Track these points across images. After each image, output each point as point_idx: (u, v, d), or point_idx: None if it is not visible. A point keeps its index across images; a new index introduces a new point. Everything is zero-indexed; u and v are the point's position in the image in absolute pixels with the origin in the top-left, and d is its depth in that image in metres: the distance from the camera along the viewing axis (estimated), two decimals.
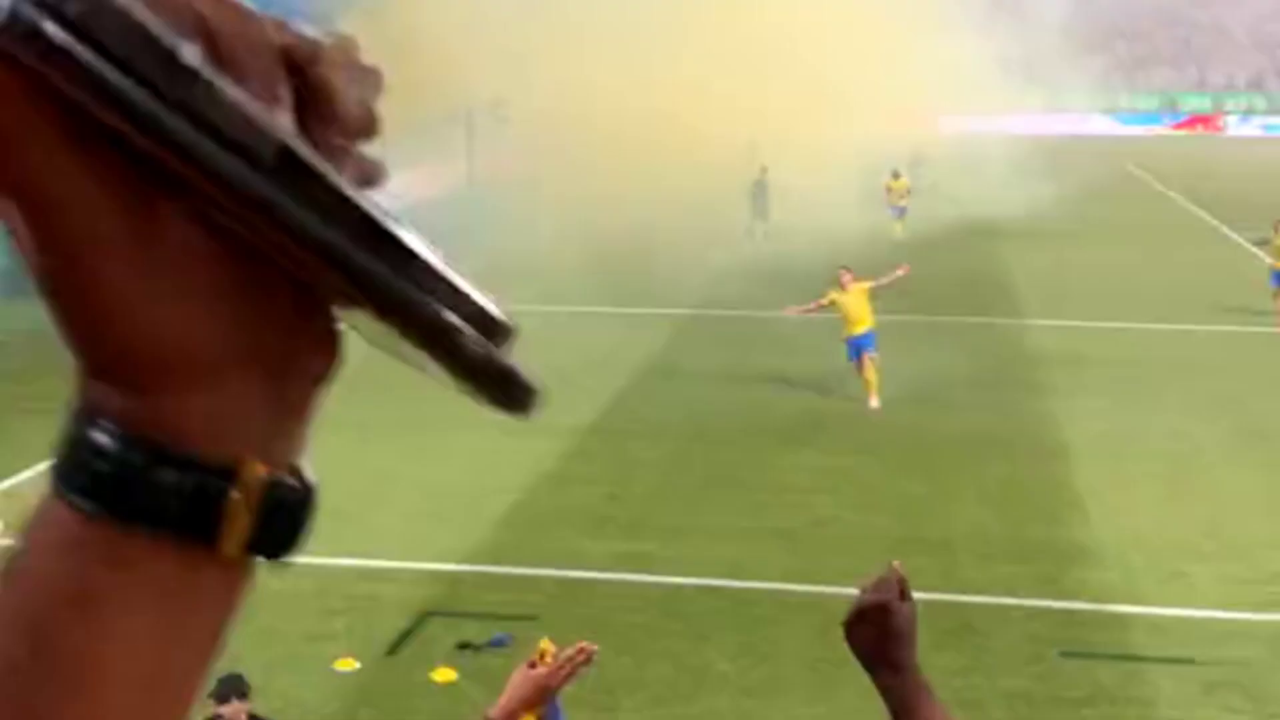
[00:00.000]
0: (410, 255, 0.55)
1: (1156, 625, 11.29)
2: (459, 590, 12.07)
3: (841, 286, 18.28)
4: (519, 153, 34.01)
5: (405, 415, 16.67)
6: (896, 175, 33.95)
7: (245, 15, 0.52)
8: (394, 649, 10.82)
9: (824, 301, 18.38)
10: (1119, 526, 13.37)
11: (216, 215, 0.51)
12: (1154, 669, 10.51)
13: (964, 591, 11.73)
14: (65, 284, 0.52)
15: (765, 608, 11.44)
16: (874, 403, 17.78)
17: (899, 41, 38.26)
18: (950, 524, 13.46)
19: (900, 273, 19.10)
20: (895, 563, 2.61)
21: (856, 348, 18.18)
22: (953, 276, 27.26)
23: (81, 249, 0.51)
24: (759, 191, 32.64)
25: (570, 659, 3.57)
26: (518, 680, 3.51)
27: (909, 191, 33.71)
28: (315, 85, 0.54)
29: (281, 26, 0.53)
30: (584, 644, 3.61)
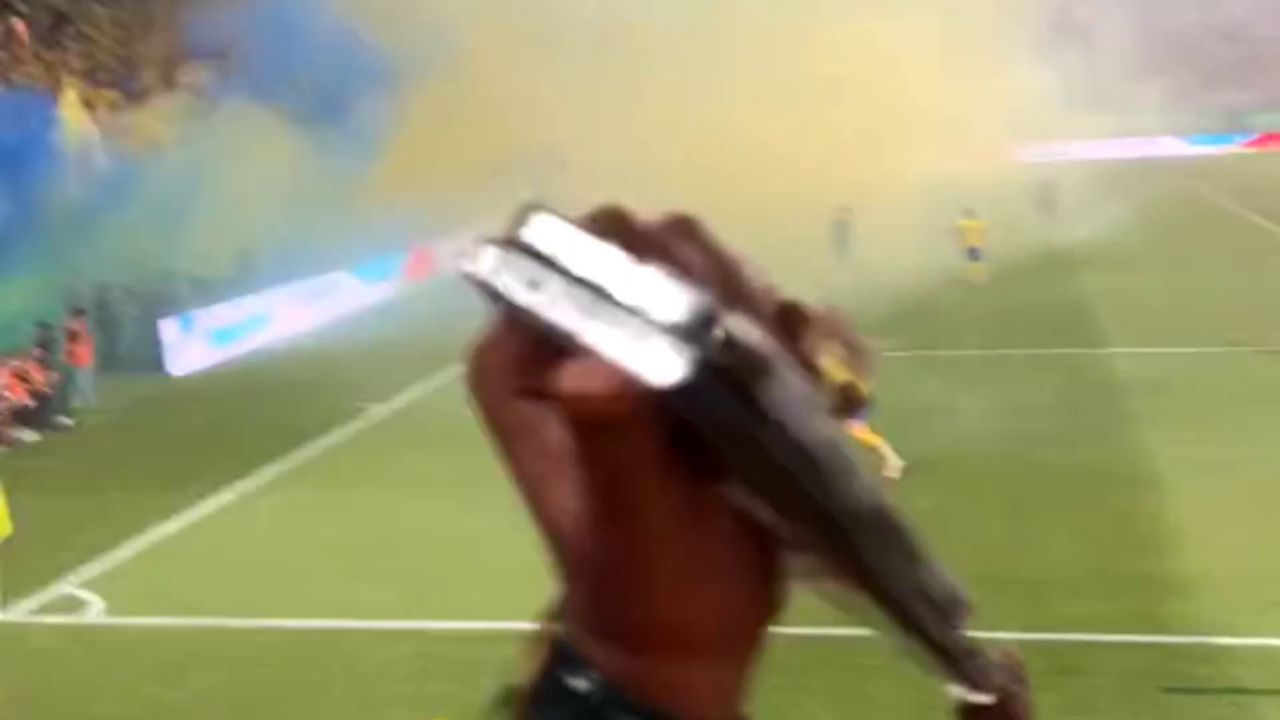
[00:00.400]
0: (957, 601, 0.59)
1: (1264, 656, 11.11)
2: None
3: None
4: (581, 198, 34.14)
5: (495, 474, 16.78)
6: (970, 214, 31.37)
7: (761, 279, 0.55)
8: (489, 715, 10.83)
9: None
10: (1214, 556, 13.19)
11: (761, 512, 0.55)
12: (1263, 702, 10.35)
13: (1057, 629, 11.62)
14: (620, 557, 0.55)
15: (863, 655, 11.40)
16: (892, 470, 15.97)
17: (967, 73, 38.17)
18: (1039, 560, 13.34)
19: None
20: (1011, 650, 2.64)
21: None
22: (1031, 307, 27.07)
23: (648, 540, 0.54)
24: (839, 231, 32.77)
25: None
26: None
27: (984, 231, 31.09)
28: (803, 357, 0.54)
29: (773, 288, 0.55)
30: None
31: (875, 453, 15.63)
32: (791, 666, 11.37)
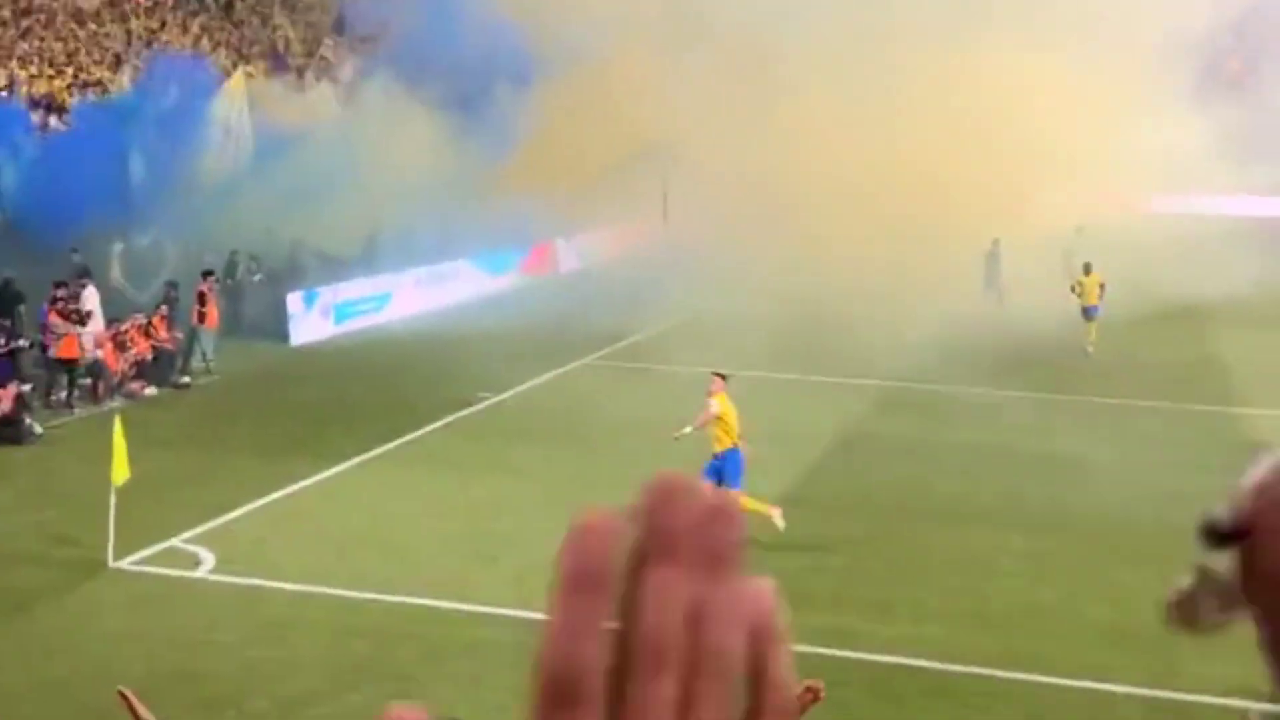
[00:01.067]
0: None
1: None
2: None
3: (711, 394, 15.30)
4: (718, 216, 34.06)
5: (600, 471, 16.79)
6: (1088, 270, 28.76)
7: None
8: None
9: (714, 413, 15.10)
10: None
11: None
12: None
13: (1186, 690, 11.19)
14: None
15: (974, 694, 11.08)
16: (778, 520, 14.93)
17: (1113, 118, 37.48)
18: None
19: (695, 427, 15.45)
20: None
21: (718, 471, 14.81)
22: (1164, 361, 26.42)
23: None
24: (991, 262, 32.64)
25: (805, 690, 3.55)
26: None
27: (1099, 287, 28.37)
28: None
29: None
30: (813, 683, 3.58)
31: (760, 514, 14.58)
32: (903, 696, 11.08)
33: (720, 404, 15.07)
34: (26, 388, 20.97)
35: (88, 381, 22.93)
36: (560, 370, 25.49)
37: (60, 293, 22.95)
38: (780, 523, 14.86)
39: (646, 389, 23.26)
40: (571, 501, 16.32)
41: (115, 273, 27.42)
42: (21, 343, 21.90)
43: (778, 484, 16.80)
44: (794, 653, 0.60)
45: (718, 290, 29.92)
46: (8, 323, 22.68)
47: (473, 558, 14.69)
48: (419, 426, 20.77)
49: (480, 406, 22.40)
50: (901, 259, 29.80)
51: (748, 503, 13.83)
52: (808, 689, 3.62)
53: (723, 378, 15.37)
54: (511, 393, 23.48)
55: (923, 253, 30.37)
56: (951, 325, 25.83)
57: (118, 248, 27.72)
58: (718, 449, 15.08)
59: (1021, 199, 33.77)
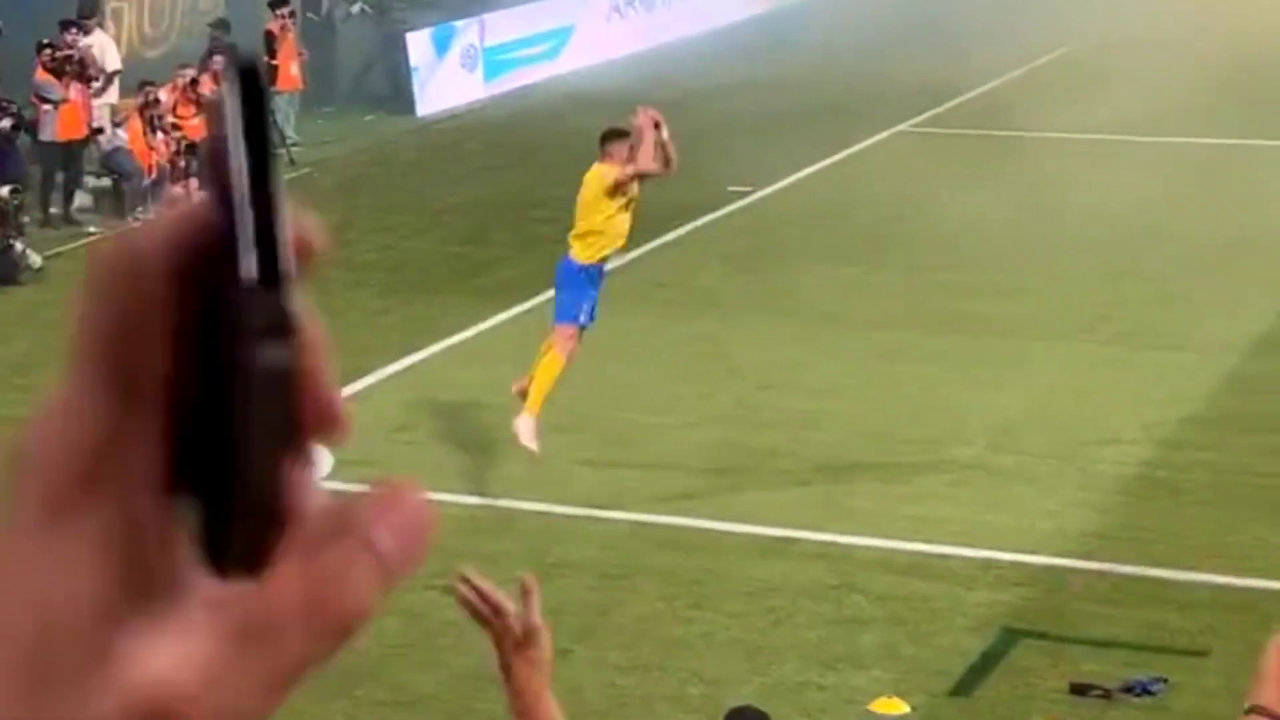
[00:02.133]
0: None
1: None
2: (1060, 598, 11.99)
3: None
4: None
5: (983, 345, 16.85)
6: None
7: None
8: (964, 686, 10.76)
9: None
10: None
11: None
12: None
13: None
14: None
15: None
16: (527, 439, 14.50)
17: None
18: None
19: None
20: None
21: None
22: None
23: None
24: None
25: None
26: None
27: None
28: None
29: None
30: None
31: None
32: None
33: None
34: (5, 191, 20.82)
35: (105, 182, 23.40)
36: (854, 148, 25.34)
37: (55, 39, 23.28)
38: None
39: (999, 171, 22.96)
40: (894, 358, 16.37)
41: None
42: (4, 123, 22.09)
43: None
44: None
45: (1108, 7, 29.52)
46: None
47: (742, 453, 14.81)
48: (634, 244, 20.81)
49: (733, 207, 22.55)
50: None
51: None
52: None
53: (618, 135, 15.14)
54: (780, 184, 23.59)
55: None
56: None
57: None
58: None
59: None
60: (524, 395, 14.29)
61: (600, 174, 14.86)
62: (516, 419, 14.08)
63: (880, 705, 10.50)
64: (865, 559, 12.63)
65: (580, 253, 14.84)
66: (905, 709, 10.47)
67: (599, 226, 14.76)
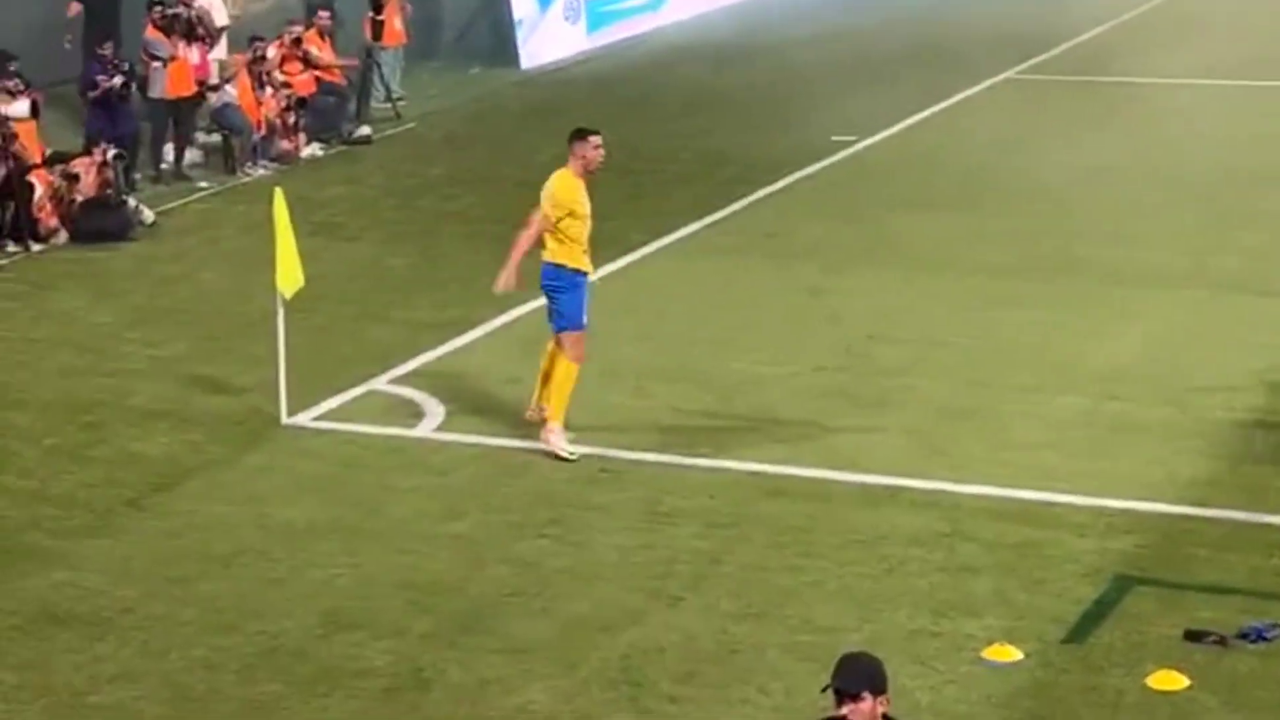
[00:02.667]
0: None
1: None
2: (1178, 543, 11.95)
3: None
4: None
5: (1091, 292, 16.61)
6: None
7: None
8: (1077, 634, 10.65)
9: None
10: None
11: None
12: None
13: None
14: None
15: None
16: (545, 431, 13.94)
17: None
18: None
19: None
20: None
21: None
22: None
23: None
24: None
25: None
26: None
27: None
28: None
29: None
30: None
31: None
32: None
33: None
34: (112, 154, 20.86)
35: (215, 138, 23.55)
36: (957, 96, 25.20)
37: None
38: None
39: (1105, 117, 22.77)
40: (1002, 306, 16.28)
41: None
42: (115, 80, 22.27)
43: None
44: None
45: None
46: (107, 49, 22.85)
47: (850, 402, 14.78)
48: (737, 195, 20.77)
49: (838, 156, 22.51)
50: None
51: None
52: None
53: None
54: (884, 133, 23.56)
55: None
56: None
57: None
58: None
59: None
60: (540, 416, 13.88)
61: (567, 185, 13.87)
62: (544, 431, 13.71)
63: (993, 652, 10.39)
64: (975, 506, 12.53)
65: (563, 255, 13.89)
66: (1018, 656, 10.36)
67: (573, 235, 13.83)
